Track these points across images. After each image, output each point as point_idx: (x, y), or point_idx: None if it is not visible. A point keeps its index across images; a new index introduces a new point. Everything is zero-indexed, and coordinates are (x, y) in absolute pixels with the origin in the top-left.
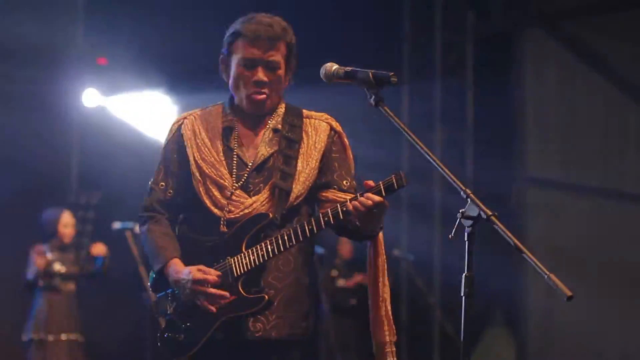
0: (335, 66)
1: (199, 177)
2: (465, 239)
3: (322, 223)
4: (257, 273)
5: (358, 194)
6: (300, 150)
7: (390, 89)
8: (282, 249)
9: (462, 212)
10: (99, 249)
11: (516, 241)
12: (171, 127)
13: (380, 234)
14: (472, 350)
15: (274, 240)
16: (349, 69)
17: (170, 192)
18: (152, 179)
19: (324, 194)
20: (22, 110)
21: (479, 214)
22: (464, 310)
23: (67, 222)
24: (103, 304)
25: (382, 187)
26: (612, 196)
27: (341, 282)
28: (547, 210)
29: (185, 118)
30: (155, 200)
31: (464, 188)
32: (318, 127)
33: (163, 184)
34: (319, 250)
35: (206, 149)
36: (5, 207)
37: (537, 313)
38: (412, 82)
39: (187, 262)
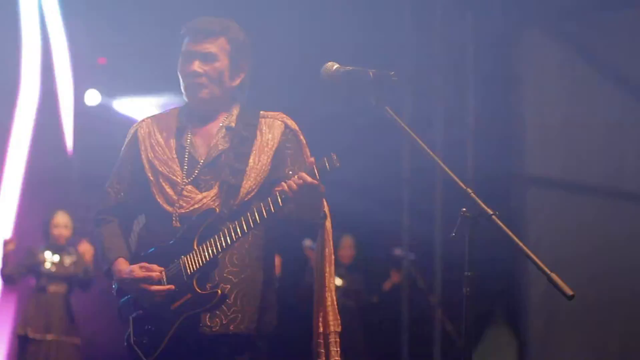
0: (335, 66)
1: (152, 177)
2: (467, 238)
3: (264, 212)
4: (210, 269)
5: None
6: (253, 147)
7: (391, 89)
8: (229, 243)
9: (464, 212)
10: (84, 247)
11: (518, 240)
12: (129, 131)
13: (328, 224)
14: (474, 349)
15: (221, 235)
16: (349, 68)
17: (121, 195)
18: (107, 182)
19: (276, 189)
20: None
21: (480, 213)
22: (466, 309)
23: (57, 223)
24: (98, 305)
25: (315, 169)
26: (613, 195)
27: (337, 282)
28: (547, 208)
29: (142, 121)
30: (108, 203)
31: (465, 187)
32: (272, 125)
33: (117, 186)
34: None
35: (160, 147)
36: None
37: (539, 312)
38: (413, 81)
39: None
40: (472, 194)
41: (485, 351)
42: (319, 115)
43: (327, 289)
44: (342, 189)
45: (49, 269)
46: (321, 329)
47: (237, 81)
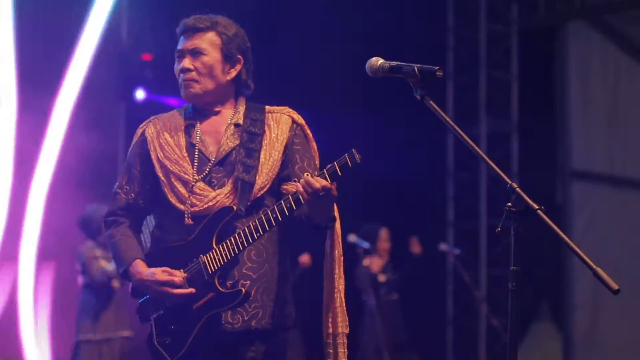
0: (380, 60)
1: (163, 176)
2: (512, 233)
3: (285, 209)
4: (231, 267)
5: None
6: (263, 143)
7: (435, 82)
8: (251, 240)
9: (509, 206)
10: None
11: (563, 235)
12: (136, 132)
13: (338, 226)
14: (519, 344)
15: (242, 233)
16: (394, 63)
17: (132, 195)
18: (116, 183)
19: (284, 187)
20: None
21: (526, 208)
22: (511, 304)
23: None
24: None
25: (336, 166)
26: None
27: (382, 278)
28: (593, 203)
29: (149, 122)
30: (119, 204)
31: (510, 182)
32: (279, 120)
33: (127, 187)
34: (365, 245)
35: (169, 147)
36: (52, 201)
37: (584, 307)
38: (457, 75)
39: (161, 265)
40: (517, 188)
41: (531, 346)
42: (365, 111)
43: (336, 290)
44: (387, 184)
45: (104, 266)
46: (330, 330)
47: (233, 74)
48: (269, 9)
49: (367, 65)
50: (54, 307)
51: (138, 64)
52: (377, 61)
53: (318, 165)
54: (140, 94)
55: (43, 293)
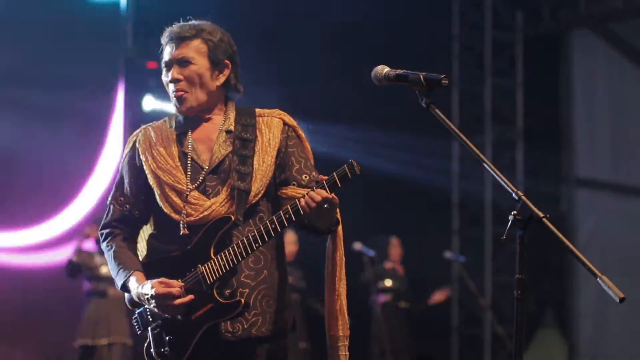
0: (386, 69)
1: (157, 187)
2: (517, 241)
3: (285, 221)
4: (229, 276)
5: (308, 191)
6: (255, 148)
7: (440, 90)
8: (250, 251)
9: (514, 214)
10: None
11: (568, 243)
12: (127, 142)
13: (339, 228)
14: (524, 352)
15: (240, 244)
16: (400, 71)
17: (126, 207)
18: (110, 195)
19: (283, 191)
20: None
21: (531, 216)
22: (516, 312)
23: None
24: None
25: (336, 178)
26: None
27: (388, 283)
28: (597, 210)
29: (139, 132)
30: (113, 216)
31: (515, 189)
32: (270, 123)
33: (121, 199)
34: (370, 252)
35: (161, 157)
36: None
37: (589, 314)
38: (462, 83)
39: (157, 276)
40: (522, 196)
41: (536, 354)
42: (369, 120)
43: (337, 293)
44: (392, 192)
45: (105, 272)
46: (331, 333)
47: (222, 79)
48: (270, 18)
49: (372, 73)
50: None
51: (144, 72)
52: (383, 69)
53: (313, 165)
54: (148, 102)
55: None
